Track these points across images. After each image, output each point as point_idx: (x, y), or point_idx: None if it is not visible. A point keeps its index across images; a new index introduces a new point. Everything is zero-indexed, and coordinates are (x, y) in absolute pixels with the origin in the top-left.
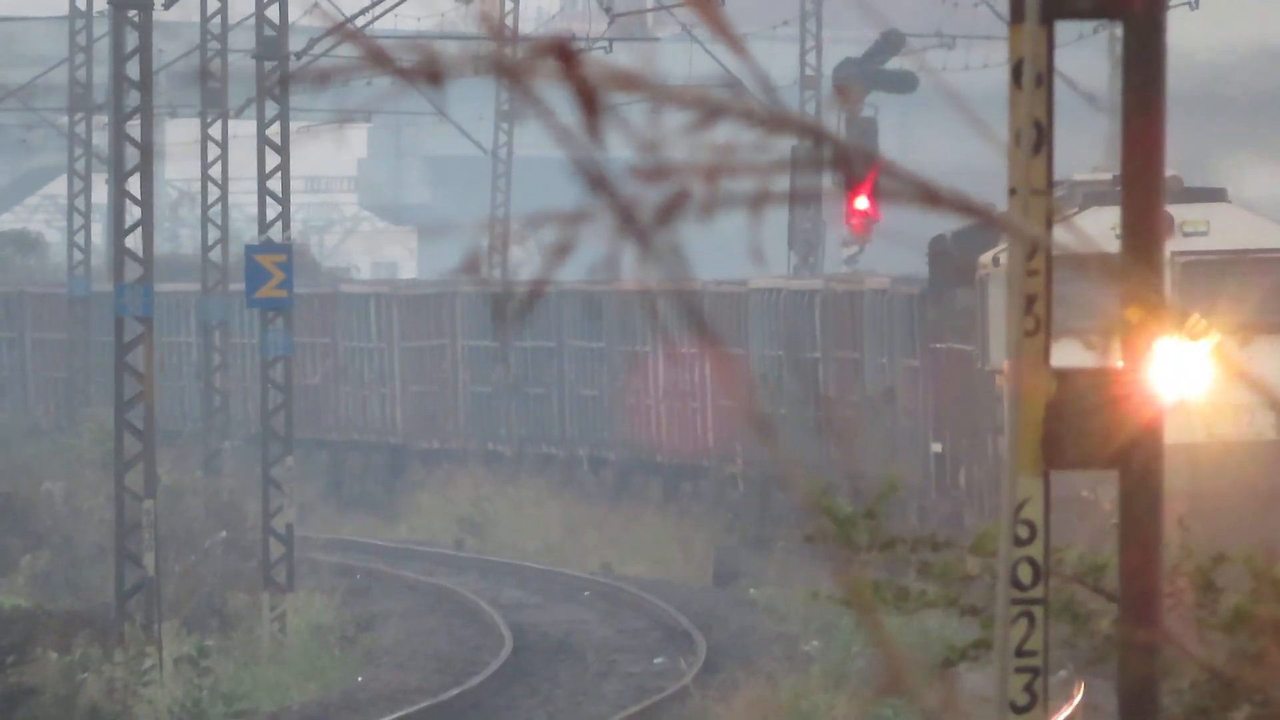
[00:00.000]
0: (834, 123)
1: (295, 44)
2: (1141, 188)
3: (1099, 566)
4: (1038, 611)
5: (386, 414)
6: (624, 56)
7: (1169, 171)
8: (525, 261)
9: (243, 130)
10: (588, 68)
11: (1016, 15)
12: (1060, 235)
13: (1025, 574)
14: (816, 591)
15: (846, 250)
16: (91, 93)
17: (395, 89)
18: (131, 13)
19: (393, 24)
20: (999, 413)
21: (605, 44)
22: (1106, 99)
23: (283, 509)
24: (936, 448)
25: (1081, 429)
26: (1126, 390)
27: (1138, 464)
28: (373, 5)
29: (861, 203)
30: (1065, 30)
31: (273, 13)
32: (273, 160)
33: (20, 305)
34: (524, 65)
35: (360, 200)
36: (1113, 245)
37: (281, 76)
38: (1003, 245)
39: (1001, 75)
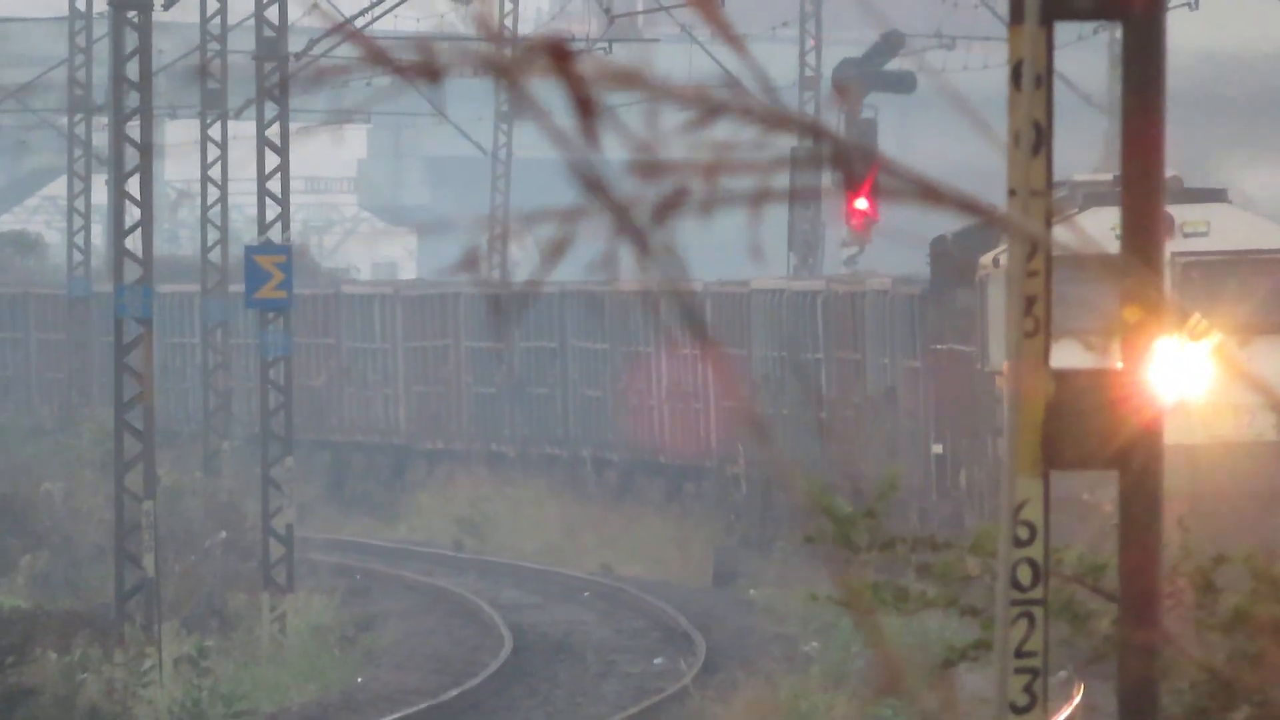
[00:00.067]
0: (834, 123)
1: (295, 44)
2: (1141, 188)
3: (1098, 567)
4: (1037, 612)
5: (390, 415)
6: (623, 57)
7: (1169, 172)
8: (525, 261)
9: (242, 131)
10: (584, 66)
11: (1016, 16)
12: (1060, 236)
13: (1025, 575)
14: (815, 593)
15: (846, 251)
16: (91, 93)
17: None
18: (131, 13)
19: (392, 25)
20: (999, 414)
21: (604, 45)
22: (1106, 99)
23: (282, 509)
24: (937, 449)
25: (1081, 430)
26: (1126, 391)
27: (1137, 465)
28: (372, 6)
29: (861, 203)
30: (1064, 31)
31: (272, 13)
32: (272, 161)
33: (24, 306)
34: (520, 65)
35: (360, 201)
36: (1113, 246)
37: (281, 78)
38: (1003, 246)
39: (1001, 76)
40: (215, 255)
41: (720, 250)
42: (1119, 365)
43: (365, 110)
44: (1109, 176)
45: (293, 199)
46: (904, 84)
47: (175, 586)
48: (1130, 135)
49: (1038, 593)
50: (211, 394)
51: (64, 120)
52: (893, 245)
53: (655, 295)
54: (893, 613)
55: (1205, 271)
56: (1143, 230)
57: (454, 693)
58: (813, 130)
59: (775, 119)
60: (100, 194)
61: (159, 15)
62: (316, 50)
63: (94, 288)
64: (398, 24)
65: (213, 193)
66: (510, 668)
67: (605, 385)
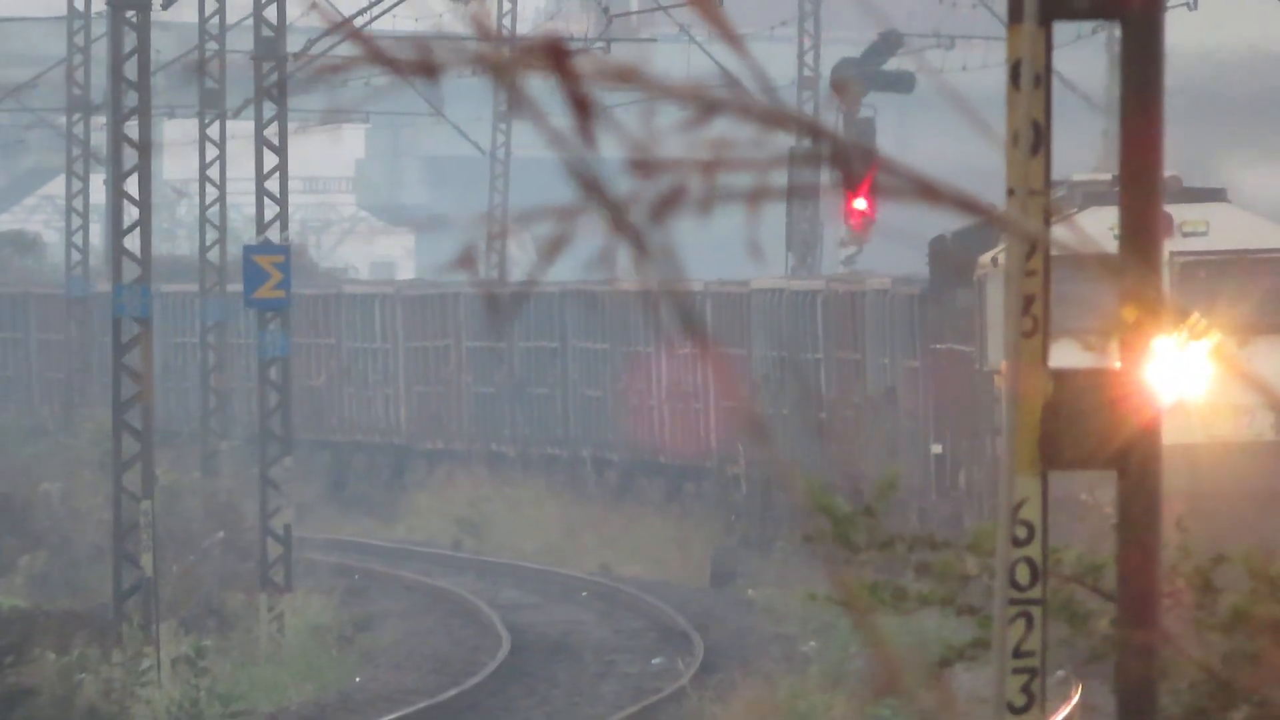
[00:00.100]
0: (832, 122)
1: (293, 44)
2: (1140, 188)
3: (1097, 566)
4: (1035, 612)
5: (391, 415)
6: (621, 56)
7: (1168, 172)
8: (524, 260)
9: (241, 130)
10: (582, 65)
11: (1015, 16)
12: (1059, 235)
13: (1023, 574)
14: (814, 593)
15: (844, 250)
16: (89, 93)
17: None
18: (129, 13)
19: (390, 25)
20: (998, 413)
21: (602, 44)
22: (1104, 99)
23: (280, 509)
24: (937, 449)
25: (1079, 429)
26: (1124, 391)
27: (1136, 464)
28: (370, 6)
29: (860, 203)
30: (1063, 30)
31: (270, 13)
32: (271, 160)
33: (25, 306)
34: (516, 65)
35: (358, 200)
36: (1112, 245)
37: (280, 78)
38: (1001, 245)
39: (1000, 76)
40: (214, 255)
41: (719, 250)
42: (1117, 365)
43: (362, 110)
44: (1108, 176)
45: (291, 199)
46: (902, 84)
47: (173, 586)
48: (1129, 135)
49: (1036, 592)
50: (210, 394)
51: (62, 119)
52: (891, 245)
53: (653, 295)
54: (891, 612)
55: (1204, 271)
56: (1141, 230)
57: (452, 693)
58: (811, 129)
59: (773, 117)
60: (98, 193)
61: (157, 14)
62: (315, 50)
63: (94, 287)
64: (396, 24)
65: (211, 192)
66: (508, 668)
67: (605, 385)
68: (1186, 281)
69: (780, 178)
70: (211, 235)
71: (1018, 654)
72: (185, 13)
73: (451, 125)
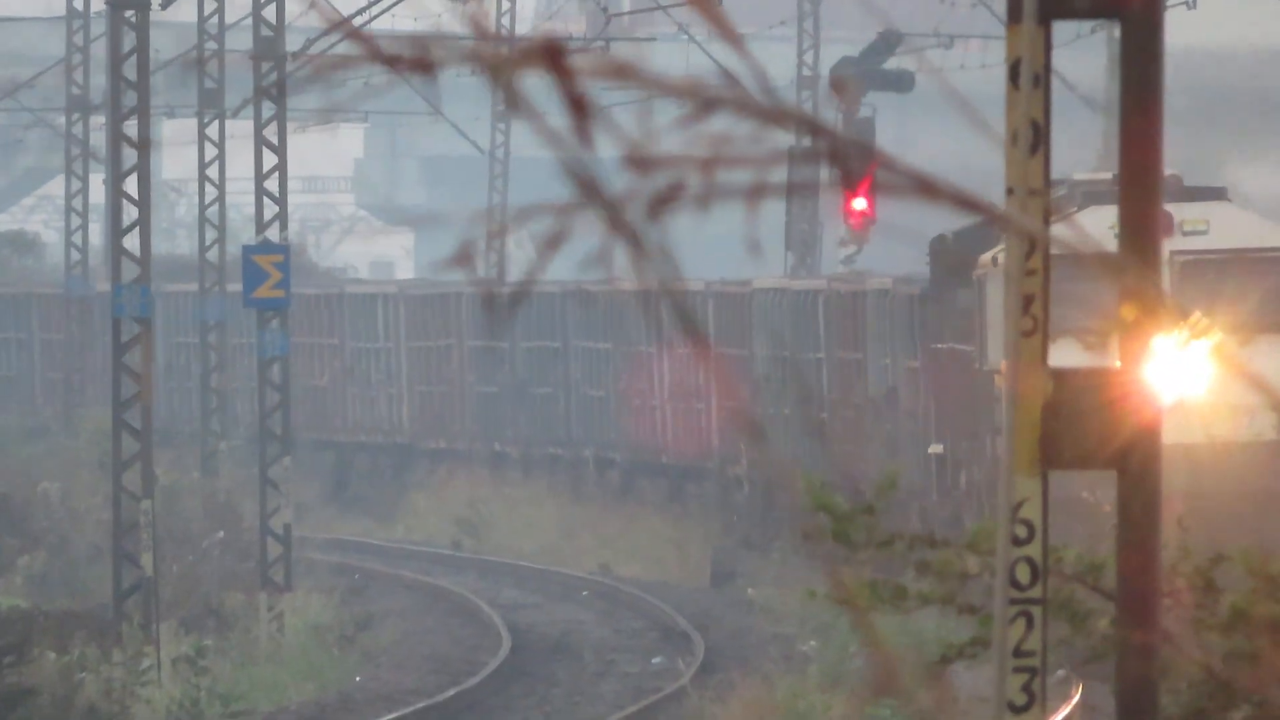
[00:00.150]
0: (832, 121)
1: (292, 44)
2: (1139, 187)
3: (1097, 566)
4: (1036, 611)
5: (394, 414)
6: (618, 54)
7: (1168, 171)
8: (523, 259)
9: (240, 130)
10: (579, 62)
11: (1014, 15)
12: (1059, 234)
13: (1023, 574)
14: (814, 591)
15: (844, 250)
16: (89, 92)
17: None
18: (128, 13)
19: (389, 25)
20: (998, 413)
21: (601, 44)
22: (1104, 98)
23: (280, 509)
24: (937, 449)
25: (1079, 429)
26: (1125, 390)
27: (1136, 464)
28: (369, 5)
29: (859, 203)
30: (1062, 30)
31: (269, 13)
32: (270, 160)
33: (28, 306)
34: (513, 64)
35: (357, 200)
36: (1112, 244)
37: (279, 77)
38: (1001, 245)
39: (999, 75)
40: (213, 255)
41: (720, 250)
42: (1117, 364)
43: (360, 109)
44: (1108, 175)
45: (290, 198)
46: (902, 83)
47: (173, 586)
48: (1128, 134)
49: (1036, 592)
50: (210, 394)
51: (61, 119)
52: (891, 244)
53: (651, 295)
54: (890, 611)
55: (1205, 270)
56: (1141, 229)
57: (452, 692)
58: (810, 125)
59: (772, 114)
60: (98, 193)
61: (156, 14)
62: (313, 49)
63: (94, 287)
64: (395, 24)
65: (210, 192)
66: (508, 667)
67: (608, 385)
68: (1187, 280)
69: (779, 174)
70: (211, 235)
71: (1018, 653)
72: (184, 12)
73: (450, 124)
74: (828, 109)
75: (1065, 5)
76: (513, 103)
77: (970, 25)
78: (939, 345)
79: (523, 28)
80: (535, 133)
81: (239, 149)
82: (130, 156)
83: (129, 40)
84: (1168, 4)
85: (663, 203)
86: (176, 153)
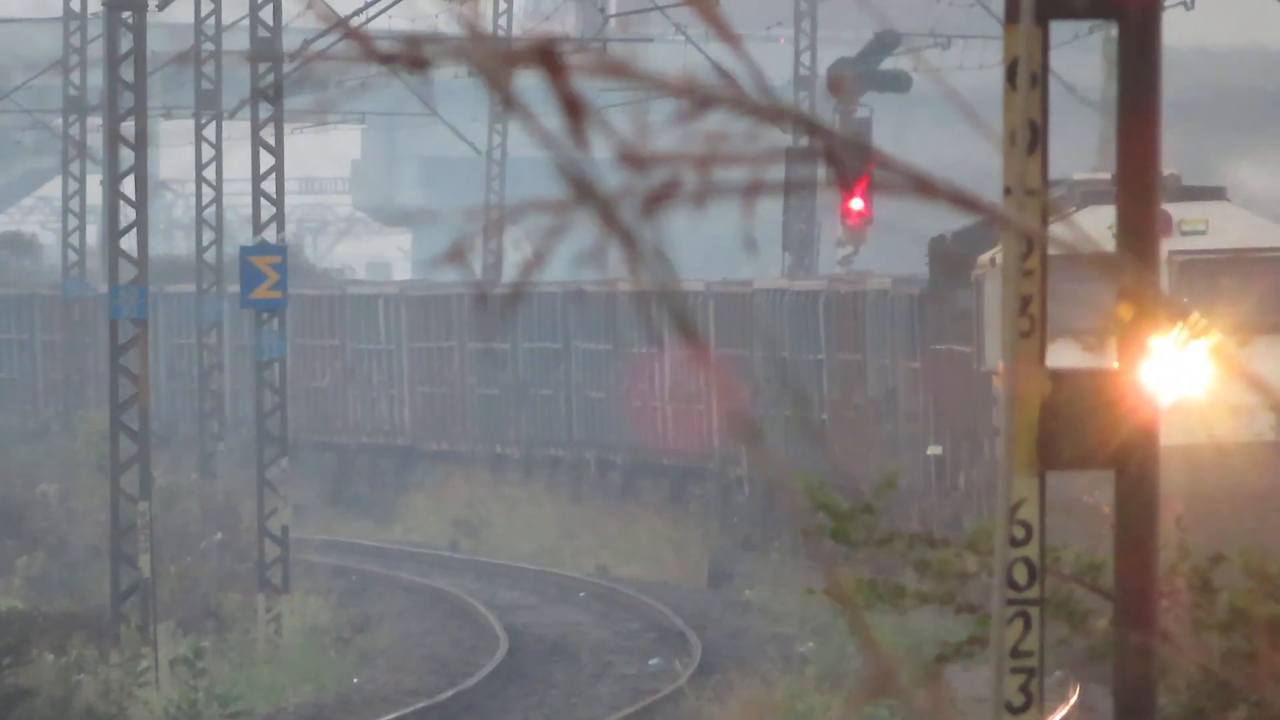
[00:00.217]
0: (829, 122)
1: (289, 45)
2: (1137, 186)
3: (1096, 565)
4: (1033, 612)
5: (395, 416)
6: (615, 53)
7: (1167, 170)
8: (520, 261)
9: (237, 131)
10: (574, 60)
11: (1011, 15)
12: (1057, 234)
13: (1021, 574)
14: (812, 589)
15: (841, 250)
16: (86, 94)
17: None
18: (126, 14)
19: (386, 25)
20: (996, 414)
21: (599, 44)
22: (1101, 98)
23: (278, 510)
24: (936, 450)
25: (1078, 430)
26: (1123, 391)
27: (1134, 465)
28: (366, 6)
29: (856, 204)
30: (1060, 30)
31: (266, 14)
32: (267, 161)
33: (30, 308)
34: (507, 65)
35: (354, 201)
36: (1111, 244)
37: (276, 78)
38: (1000, 245)
39: (997, 75)
40: (210, 255)
41: (719, 251)
42: (1116, 365)
43: (357, 110)
44: (1107, 175)
45: (287, 199)
46: (899, 83)
47: (171, 587)
48: (1126, 134)
49: (1034, 592)
50: (208, 395)
51: (59, 121)
52: (888, 245)
53: (646, 296)
54: (888, 609)
55: (1203, 270)
56: (1138, 228)
57: (450, 693)
58: (807, 124)
59: (768, 112)
60: (95, 194)
61: (153, 16)
62: (311, 49)
63: (93, 288)
64: (391, 25)
65: (207, 193)
66: (506, 669)
67: (608, 387)
68: (1185, 280)
69: (776, 173)
70: (208, 236)
71: (1016, 654)
72: (181, 13)
73: (447, 126)
74: (825, 109)
75: (1063, 5)
76: (507, 102)
77: (968, 25)
78: (938, 346)
79: (531, 22)
80: (530, 133)
81: (236, 149)
82: (127, 157)
83: (126, 41)
84: (1165, 4)
85: (657, 200)
86: (173, 153)
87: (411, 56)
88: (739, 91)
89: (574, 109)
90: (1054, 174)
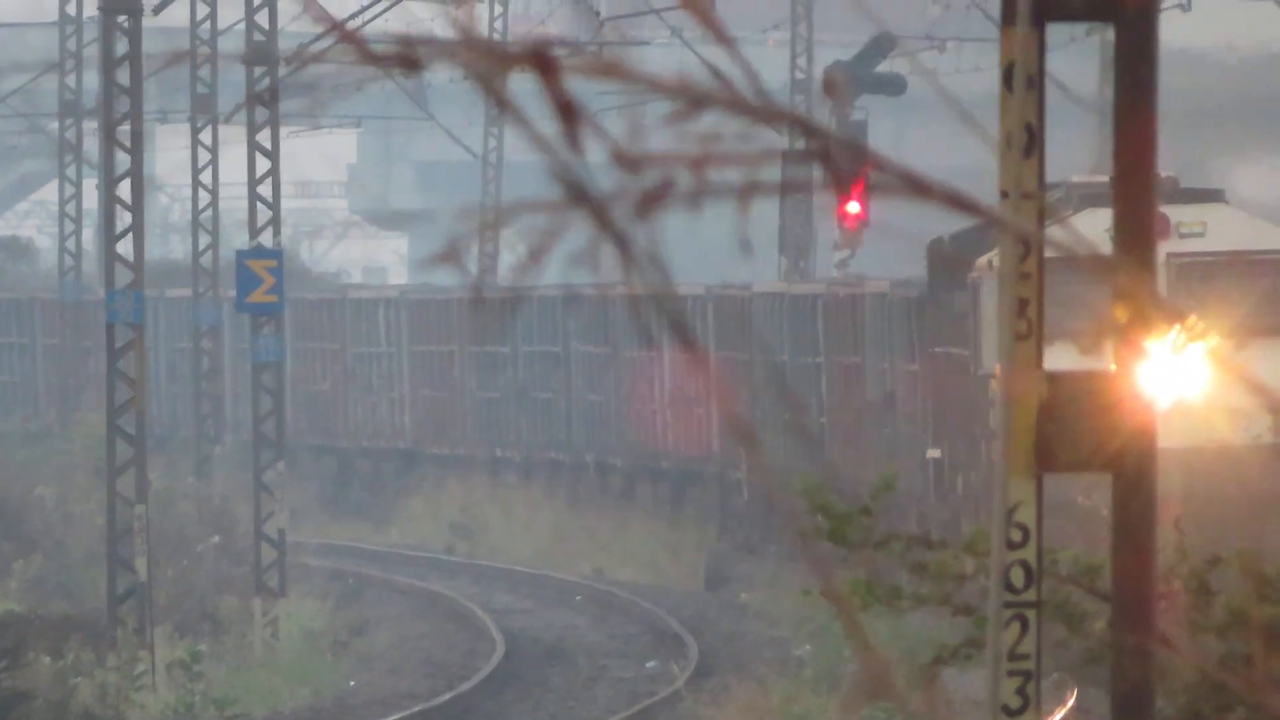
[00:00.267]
0: (825, 124)
1: (284, 48)
2: (1134, 189)
3: (1093, 568)
4: (1031, 614)
5: (395, 419)
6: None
7: (1165, 173)
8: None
9: (233, 135)
10: (568, 61)
11: (1008, 18)
12: (1054, 237)
13: (1018, 577)
14: (808, 590)
15: (838, 254)
16: (81, 98)
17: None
18: (121, 18)
19: (383, 28)
20: (993, 417)
21: (594, 48)
22: (1098, 101)
23: (274, 514)
24: (935, 453)
25: (1075, 433)
26: (1120, 394)
27: (1131, 467)
28: (360, 12)
29: (853, 207)
30: (1056, 32)
31: (262, 18)
32: (263, 165)
33: (30, 312)
34: (500, 69)
35: (350, 205)
36: (1109, 247)
37: (271, 83)
38: (998, 248)
39: (993, 78)
40: (206, 260)
41: (717, 254)
42: (1113, 368)
43: (353, 115)
44: (1105, 178)
45: (283, 203)
46: (894, 86)
47: (167, 591)
48: (1123, 136)
49: (1031, 595)
50: (204, 398)
51: (55, 125)
52: (885, 248)
53: (639, 298)
54: (885, 611)
55: (1201, 272)
56: (1136, 231)
57: (446, 697)
58: (802, 125)
59: (763, 113)
60: (91, 198)
61: (149, 19)
62: (307, 51)
63: (90, 292)
64: (387, 30)
65: (203, 197)
66: (502, 672)
67: (608, 390)
68: (1183, 283)
69: (771, 174)
70: (204, 240)
71: (1013, 656)
72: (176, 17)
73: (443, 129)
74: (821, 113)
75: (1059, 8)
76: (500, 105)
77: (964, 28)
78: (937, 349)
79: (527, 24)
80: (523, 136)
81: (231, 153)
82: (123, 161)
83: (122, 46)
84: (1162, 6)
85: (651, 201)
86: (167, 157)
87: (405, 57)
88: (733, 92)
89: (568, 112)
90: (1051, 177)
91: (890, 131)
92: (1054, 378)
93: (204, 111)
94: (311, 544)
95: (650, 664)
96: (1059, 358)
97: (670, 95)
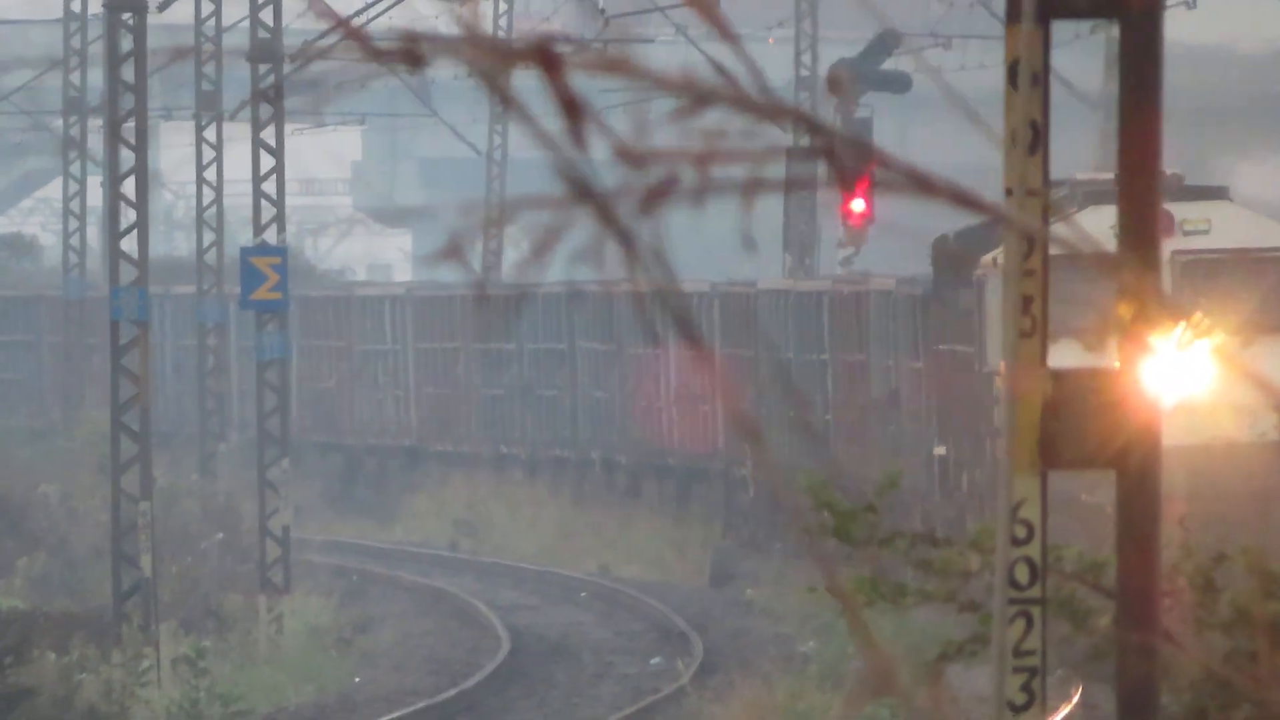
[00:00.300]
0: (829, 121)
1: (289, 46)
2: (1138, 186)
3: (1098, 564)
4: (1035, 611)
5: (401, 416)
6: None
7: (1170, 170)
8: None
9: (238, 132)
10: (572, 57)
11: (1013, 15)
12: (1058, 234)
13: (1022, 574)
14: (813, 587)
15: (842, 252)
16: (86, 95)
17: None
18: (126, 15)
19: (387, 25)
20: (997, 414)
21: (600, 45)
22: (1103, 98)
23: (279, 511)
24: (940, 451)
25: (1079, 430)
26: (1124, 391)
27: (1135, 464)
28: (365, 9)
29: (858, 204)
30: (1061, 30)
31: (267, 15)
32: (267, 162)
33: (37, 309)
34: (504, 65)
35: (355, 202)
36: (1113, 244)
37: (276, 80)
38: (1002, 245)
39: (998, 76)
40: (211, 257)
41: (723, 251)
42: (1117, 365)
43: (357, 112)
44: (1109, 175)
45: (287, 200)
46: (899, 83)
47: (172, 587)
48: (1127, 134)
49: (1035, 591)
50: (208, 395)
51: (59, 122)
52: (890, 246)
53: (645, 296)
54: (889, 608)
55: (1205, 270)
56: (1140, 228)
57: (451, 693)
58: (807, 122)
59: (768, 109)
60: (96, 195)
61: (153, 17)
62: (312, 48)
63: (97, 289)
64: (392, 27)
65: (208, 194)
66: (507, 669)
67: (614, 387)
68: (1188, 280)
69: (776, 170)
70: (209, 237)
71: (1018, 653)
72: (181, 14)
73: (447, 126)
74: (826, 111)
75: (1064, 5)
76: (504, 101)
77: (969, 26)
78: (941, 346)
79: (531, 20)
80: (528, 133)
81: (236, 150)
82: (127, 158)
83: (126, 43)
84: (1167, 3)
85: (656, 197)
86: (173, 154)
87: (409, 54)
88: (738, 89)
89: (572, 109)
90: (1056, 174)
91: (895, 129)
92: (1058, 375)
93: (208, 108)
94: (316, 541)
95: (655, 661)
96: (1063, 355)
97: (675, 92)
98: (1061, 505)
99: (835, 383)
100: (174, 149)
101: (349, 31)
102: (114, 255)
